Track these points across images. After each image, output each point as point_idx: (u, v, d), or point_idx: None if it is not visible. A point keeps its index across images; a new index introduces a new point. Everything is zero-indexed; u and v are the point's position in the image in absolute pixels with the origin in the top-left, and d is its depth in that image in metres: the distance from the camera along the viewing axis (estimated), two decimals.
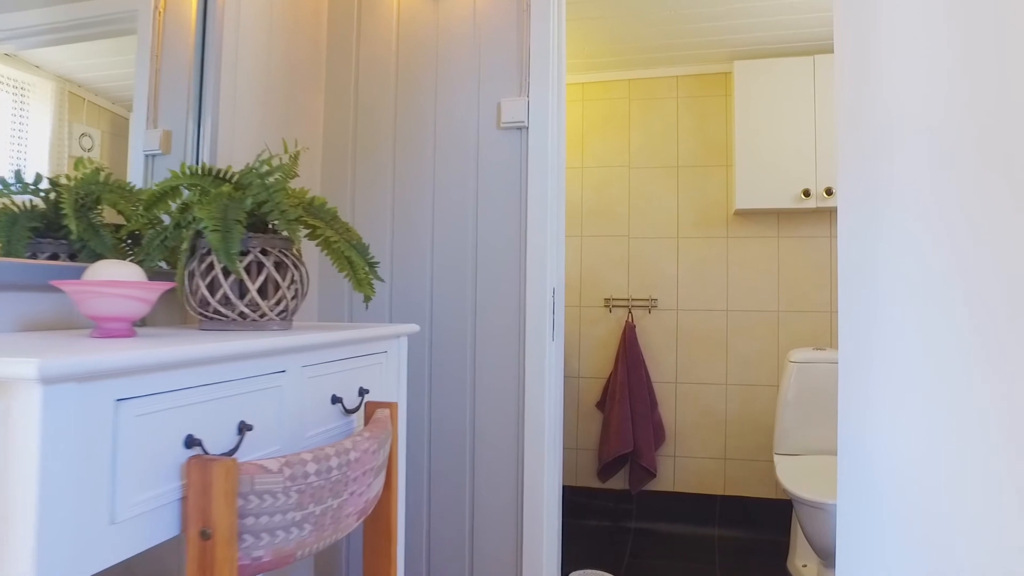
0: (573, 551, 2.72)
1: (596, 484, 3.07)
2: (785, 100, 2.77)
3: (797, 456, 2.51)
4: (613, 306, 3.08)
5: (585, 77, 3.14)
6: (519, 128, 1.77)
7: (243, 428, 0.93)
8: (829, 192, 2.71)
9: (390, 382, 1.42)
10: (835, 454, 2.44)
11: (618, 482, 3.05)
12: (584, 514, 3.07)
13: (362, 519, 1.07)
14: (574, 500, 3.09)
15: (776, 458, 2.50)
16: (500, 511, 1.77)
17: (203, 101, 1.48)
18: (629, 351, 2.96)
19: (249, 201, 1.09)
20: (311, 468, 0.91)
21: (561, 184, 1.84)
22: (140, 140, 1.50)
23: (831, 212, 2.86)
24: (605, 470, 2.99)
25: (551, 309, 1.76)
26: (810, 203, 2.74)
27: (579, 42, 2.79)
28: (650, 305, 3.03)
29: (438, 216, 1.85)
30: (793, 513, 2.56)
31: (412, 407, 1.85)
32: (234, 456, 0.86)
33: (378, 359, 1.37)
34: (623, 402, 2.92)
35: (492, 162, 1.80)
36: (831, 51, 2.59)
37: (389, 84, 1.90)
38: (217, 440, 0.89)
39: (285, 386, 1.05)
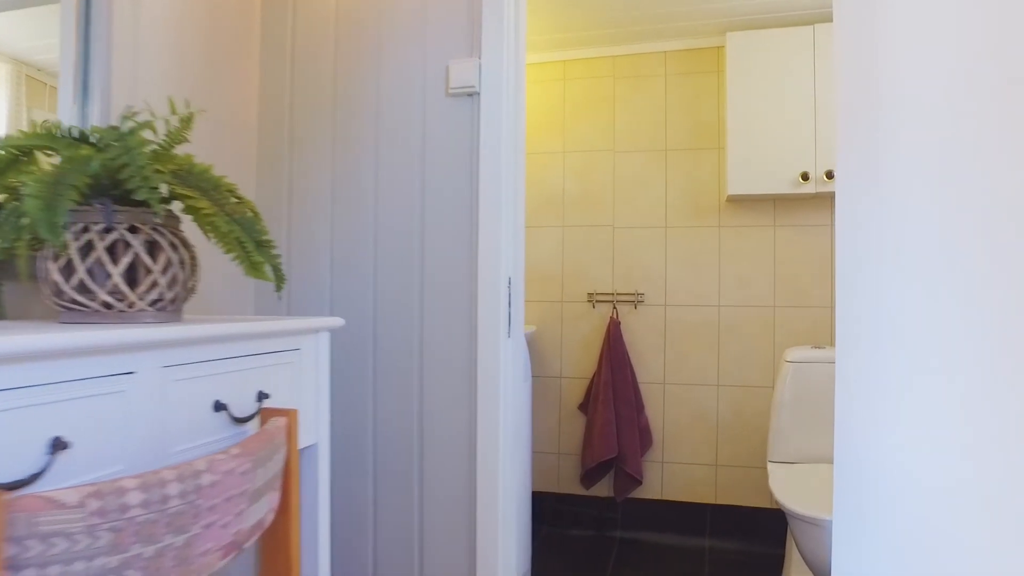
0: (554, 561, 2.52)
1: (579, 491, 2.86)
2: (782, 75, 2.55)
3: (793, 464, 2.29)
4: (597, 301, 2.86)
5: (565, 54, 2.93)
6: (470, 94, 1.56)
7: (57, 446, 0.73)
8: (830, 175, 2.49)
9: (304, 385, 1.21)
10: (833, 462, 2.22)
11: (602, 489, 2.83)
12: (567, 522, 2.86)
13: (233, 554, 0.87)
14: (556, 508, 2.88)
15: (770, 467, 2.28)
16: (452, 519, 1.57)
17: (89, 53, 1.27)
18: (614, 350, 2.75)
19: (96, 163, 0.88)
20: (134, 498, 0.70)
21: (519, 159, 1.63)
22: (68, 113, 1.31)
23: (832, 198, 2.63)
24: (588, 476, 2.78)
25: (506, 301, 1.55)
26: (809, 188, 2.52)
27: (558, 15, 2.58)
28: (636, 300, 2.82)
29: (382, 196, 1.64)
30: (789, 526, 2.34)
31: (356, 409, 1.64)
32: (32, 484, 0.66)
33: (287, 358, 1.16)
34: (607, 404, 2.71)
35: (440, 134, 1.59)
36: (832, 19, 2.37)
37: (328, 45, 1.69)
38: (15, 463, 0.69)
39: (132, 391, 0.84)
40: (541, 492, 2.89)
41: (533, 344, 2.92)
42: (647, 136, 2.85)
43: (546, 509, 2.89)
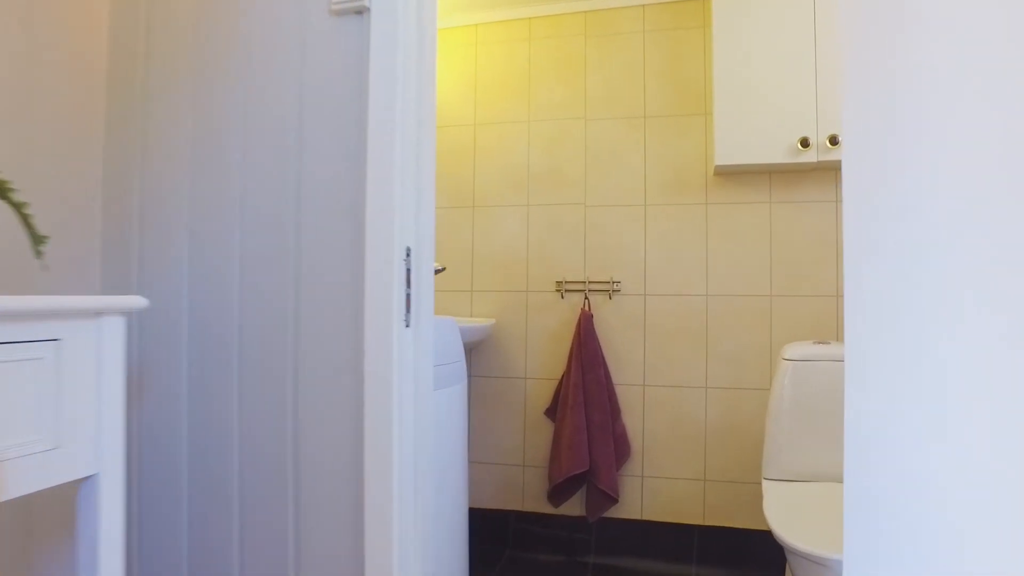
0: None
1: (548, 509, 2.48)
2: (777, 27, 2.17)
3: (793, 484, 1.91)
4: (566, 291, 2.49)
5: (531, 11, 2.55)
6: (358, 12, 1.19)
7: None
8: (834, 141, 2.11)
9: (71, 392, 0.84)
10: (843, 481, 1.84)
11: (574, 507, 2.46)
12: (533, 545, 2.49)
13: None
14: (521, 528, 2.50)
15: (765, 485, 1.90)
16: (336, 564, 1.20)
17: None
18: (585, 346, 2.37)
19: None
20: None
21: (425, 96, 1.26)
22: None
23: (838, 168, 2.25)
24: (557, 493, 2.41)
25: (403, 279, 1.18)
26: (810, 156, 2.14)
27: None
28: (611, 289, 2.44)
29: (251, 148, 1.27)
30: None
31: (215, 424, 1.28)
32: None
33: (34, 352, 0.80)
34: (577, 410, 2.34)
35: (321, 64, 1.23)
36: None
37: None
38: None
39: None
40: (503, 510, 2.52)
41: (493, 340, 2.55)
42: (623, 102, 2.47)
43: (509, 530, 2.51)
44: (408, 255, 1.20)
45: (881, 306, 0.85)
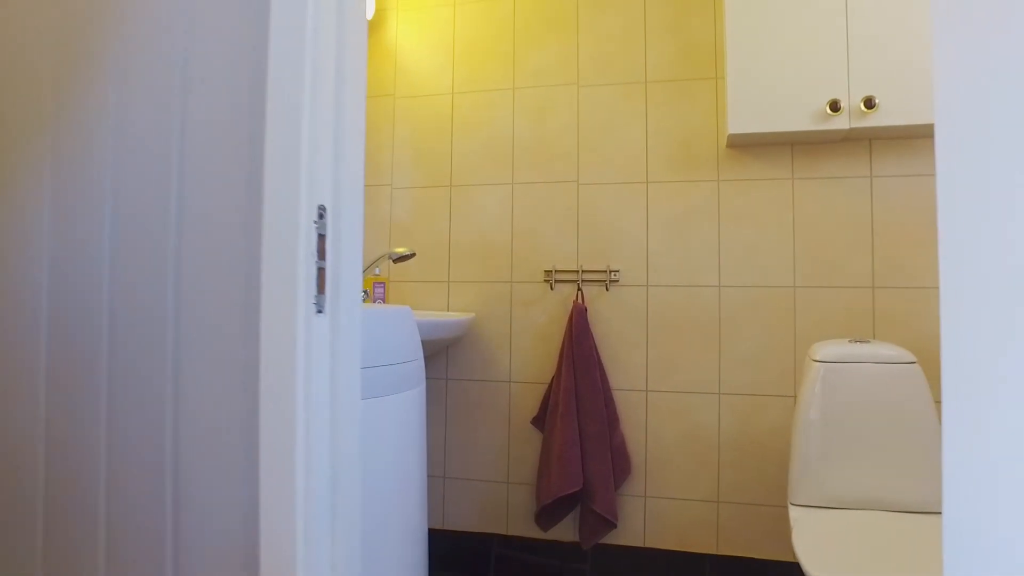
0: None
1: (536, 533, 2.15)
2: None
3: (826, 511, 1.58)
4: (556, 281, 2.16)
5: None
6: None
7: None
8: (870, 104, 1.78)
9: None
10: (888, 509, 1.52)
11: (566, 531, 2.13)
12: (518, 575, 2.16)
13: None
14: (504, 555, 2.17)
15: (793, 513, 1.58)
16: None
17: None
18: (578, 345, 2.05)
19: None
20: None
21: (351, 6, 0.93)
22: None
23: (873, 136, 1.93)
24: (546, 515, 2.08)
25: (313, 250, 0.85)
26: (840, 122, 1.81)
27: None
28: (608, 279, 2.11)
29: (131, 76, 0.95)
30: None
31: (78, 444, 0.95)
32: None
33: None
34: (568, 419, 2.01)
35: None
36: None
37: None
38: None
39: None
40: (484, 534, 2.19)
41: (472, 337, 2.22)
42: (621, 65, 2.15)
43: (491, 556, 2.18)
44: (322, 216, 0.87)
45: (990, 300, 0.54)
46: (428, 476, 2.23)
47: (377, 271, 2.15)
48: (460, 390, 2.22)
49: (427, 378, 2.25)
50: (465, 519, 2.20)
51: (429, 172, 2.29)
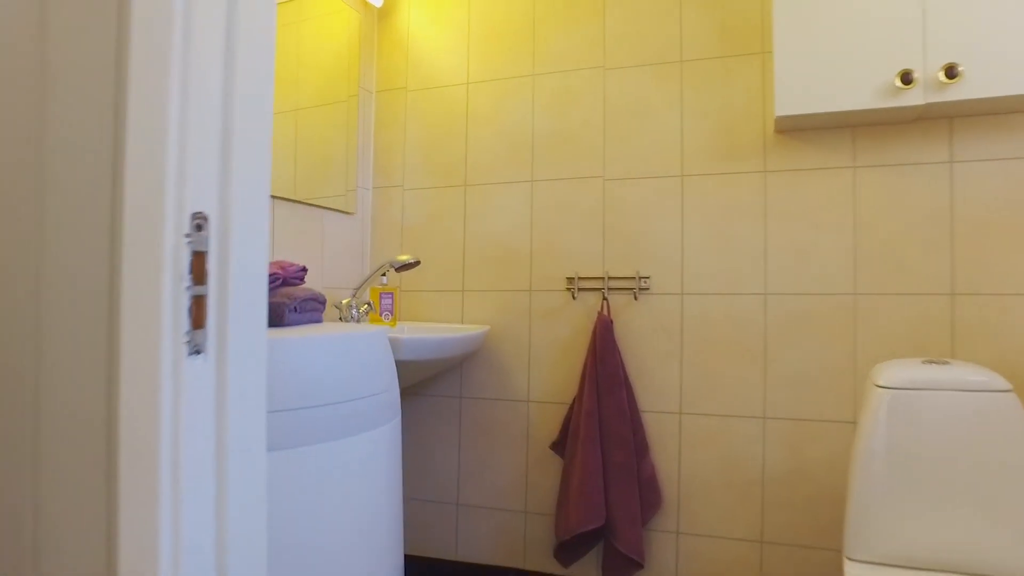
0: None
1: (555, 569, 1.93)
2: None
3: (890, 570, 1.30)
4: (580, 289, 1.93)
5: None
6: None
7: None
8: (952, 73, 1.48)
9: None
10: (974, 574, 1.23)
11: (589, 567, 1.90)
12: None
13: None
14: None
15: (849, 569, 1.30)
16: None
17: None
18: (602, 361, 1.81)
19: None
20: None
21: None
22: None
23: (956, 113, 1.62)
24: (566, 549, 1.86)
25: (185, 271, 0.67)
26: (913, 97, 1.52)
27: None
28: (637, 287, 1.87)
29: None
30: None
31: None
32: None
33: None
34: (590, 445, 1.78)
35: None
36: None
37: None
38: None
39: None
40: (500, 567, 1.98)
41: (487, 352, 2.02)
42: (653, 43, 1.90)
43: None
44: (200, 227, 0.68)
45: None
46: (439, 502, 2.04)
47: (384, 280, 1.97)
48: (474, 409, 2.02)
49: (439, 395, 2.06)
50: (479, 550, 2.00)
51: (442, 171, 2.10)
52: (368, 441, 1.03)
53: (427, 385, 2.08)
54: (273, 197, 1.73)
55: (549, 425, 1.95)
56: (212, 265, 0.70)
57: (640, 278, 1.87)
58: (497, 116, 2.05)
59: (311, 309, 1.17)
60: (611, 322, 1.85)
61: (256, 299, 0.75)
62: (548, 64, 2.00)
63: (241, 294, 0.73)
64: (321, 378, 0.96)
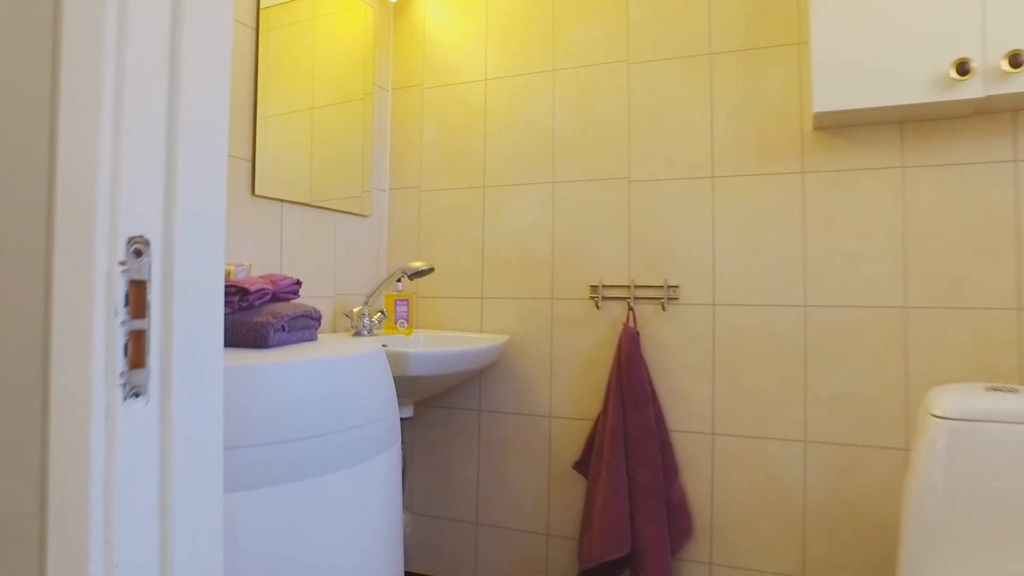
0: None
1: None
2: None
3: None
4: (604, 298, 1.82)
5: None
6: None
7: None
8: (1017, 62, 1.32)
9: None
10: None
11: None
12: None
13: None
14: None
15: None
16: None
17: None
18: (628, 376, 1.70)
19: None
20: None
21: None
22: None
23: (1021, 106, 1.46)
24: None
25: (120, 304, 0.57)
26: (971, 89, 1.37)
27: None
28: (666, 296, 1.75)
29: None
30: None
31: None
32: None
33: None
34: (615, 466, 1.67)
35: None
36: None
37: None
38: None
39: None
40: None
41: (507, 363, 1.91)
42: (680, 34, 1.77)
43: None
44: (140, 253, 0.59)
45: None
46: (457, 520, 1.95)
47: (399, 287, 1.88)
48: (494, 424, 1.92)
49: (457, 408, 1.96)
50: (499, 573, 1.90)
51: (460, 172, 2.00)
52: (358, 476, 0.93)
53: (444, 397, 1.98)
54: (281, 201, 1.65)
55: (572, 442, 1.84)
56: (154, 295, 0.60)
57: (668, 287, 1.74)
58: (516, 114, 1.94)
59: (303, 327, 1.08)
60: (637, 334, 1.73)
61: (209, 331, 0.66)
62: (569, 58, 1.89)
63: (190, 327, 0.63)
64: (303, 408, 0.87)
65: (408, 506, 2.01)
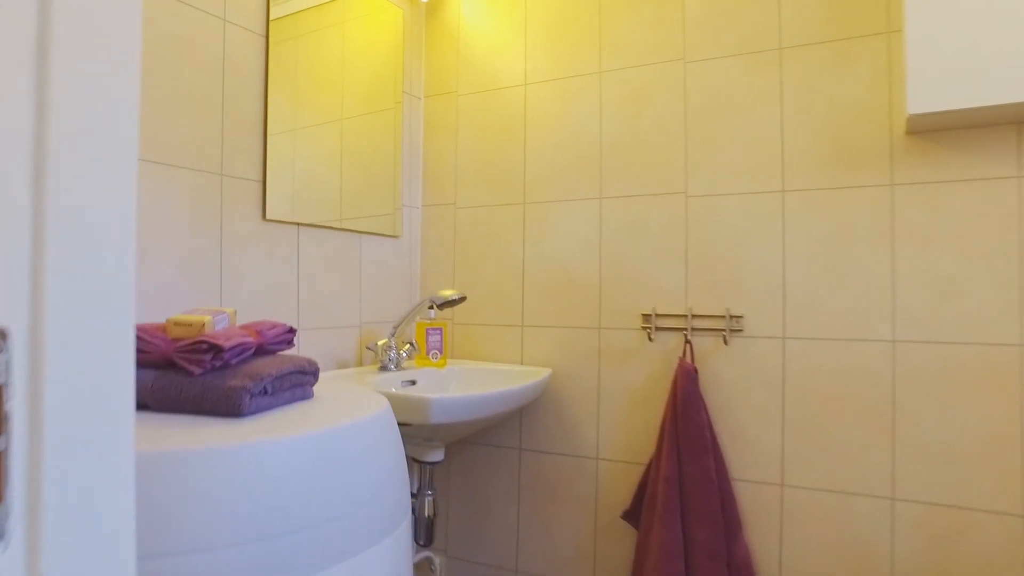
0: None
1: None
2: None
3: None
4: (658, 328, 1.62)
5: None
6: None
7: None
8: None
9: None
10: None
11: None
12: None
13: None
14: None
15: None
16: None
17: None
18: (685, 417, 1.50)
19: None
20: None
21: None
22: None
23: None
24: None
25: None
26: None
27: None
28: (728, 328, 1.54)
29: None
30: None
31: None
32: None
33: None
34: (670, 519, 1.47)
35: None
36: None
37: None
38: None
39: None
40: None
41: (550, 398, 1.74)
42: (744, 27, 1.55)
43: None
44: None
45: None
46: (495, 567, 1.79)
47: (432, 314, 1.74)
48: (536, 464, 1.76)
49: (495, 445, 1.81)
50: None
51: (498, 187, 1.84)
52: (354, 570, 0.78)
53: (481, 433, 1.83)
54: (297, 224, 1.52)
55: (621, 488, 1.65)
56: (16, 404, 0.46)
57: (731, 317, 1.53)
58: (559, 122, 1.75)
59: (293, 385, 0.94)
60: (695, 370, 1.53)
61: (107, 442, 0.51)
62: (618, 58, 1.69)
63: (72, 443, 0.49)
64: (280, 497, 0.72)
65: (442, 548, 1.87)
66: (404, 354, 1.65)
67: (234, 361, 0.88)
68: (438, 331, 1.77)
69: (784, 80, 1.50)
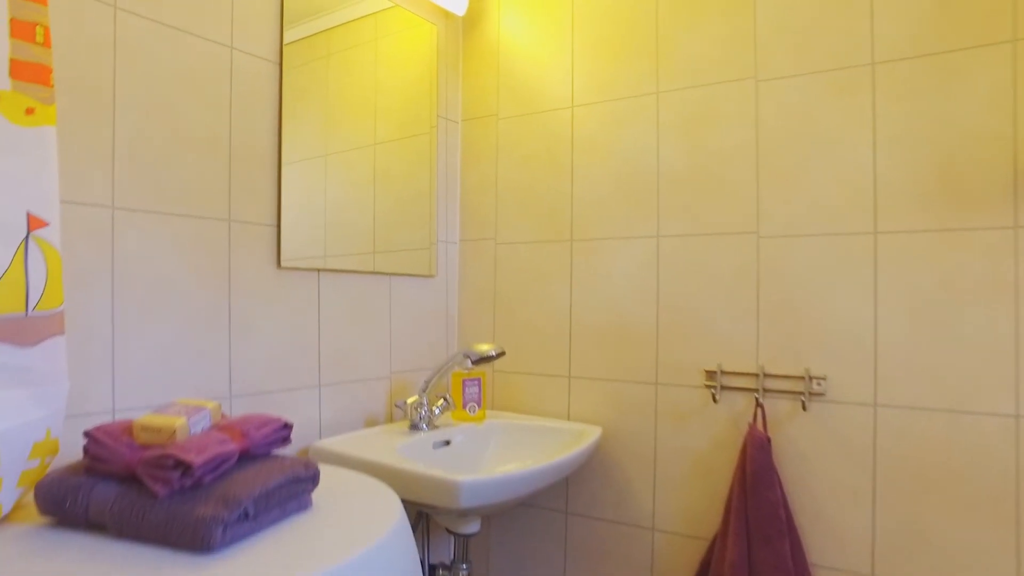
0: None
1: None
2: None
3: None
4: (724, 387, 1.41)
5: None
6: None
7: None
8: None
9: None
10: None
11: None
12: None
13: None
14: None
15: None
16: None
17: None
18: (755, 493, 1.29)
19: None
20: None
21: None
22: None
23: None
24: None
25: None
26: None
27: None
28: (808, 391, 1.32)
29: None
30: None
31: None
32: None
33: None
34: None
35: None
36: None
37: None
38: None
39: None
40: None
41: (603, 456, 1.55)
42: (829, 40, 1.32)
43: None
44: None
45: None
46: None
47: (469, 364, 1.57)
48: (584, 530, 1.57)
49: (540, 507, 1.63)
50: None
51: (543, 221, 1.66)
52: None
53: None
54: (318, 271, 1.38)
55: (681, 565, 1.45)
56: None
57: (812, 378, 1.31)
58: (611, 148, 1.56)
59: (285, 499, 0.78)
60: (768, 440, 1.32)
61: None
62: (677, 77, 1.48)
63: None
64: None
65: None
66: (437, 410, 1.49)
67: (208, 479, 0.73)
68: (476, 382, 1.60)
69: (877, 100, 1.27)
